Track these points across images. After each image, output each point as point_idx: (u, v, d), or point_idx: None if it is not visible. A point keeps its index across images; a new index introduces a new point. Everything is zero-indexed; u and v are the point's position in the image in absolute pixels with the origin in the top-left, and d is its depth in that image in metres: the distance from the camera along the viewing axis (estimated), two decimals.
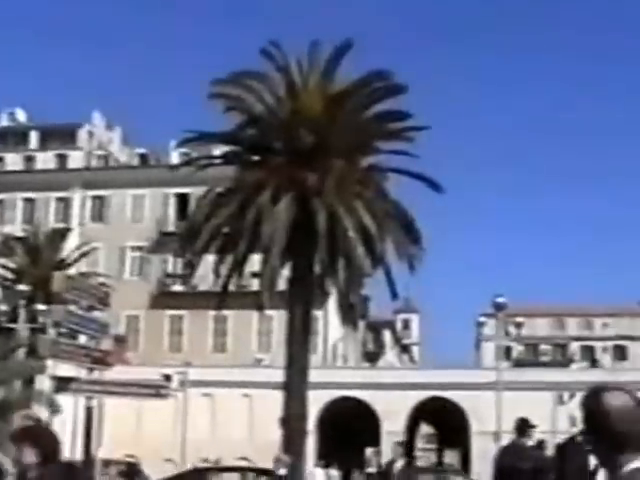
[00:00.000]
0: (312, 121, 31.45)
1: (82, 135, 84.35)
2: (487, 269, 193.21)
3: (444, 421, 61.08)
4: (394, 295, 33.07)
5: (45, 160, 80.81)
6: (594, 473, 12.21)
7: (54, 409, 34.26)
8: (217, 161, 36.03)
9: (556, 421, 46.19)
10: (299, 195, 30.80)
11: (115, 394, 21.55)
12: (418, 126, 32.15)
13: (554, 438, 27.36)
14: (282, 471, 17.16)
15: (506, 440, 19.20)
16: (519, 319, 59.33)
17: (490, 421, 46.89)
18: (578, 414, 3.73)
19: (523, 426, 12.76)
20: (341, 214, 30.49)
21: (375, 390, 55.95)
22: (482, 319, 63.23)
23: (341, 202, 30.75)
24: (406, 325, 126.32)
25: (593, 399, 3.58)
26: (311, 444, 46.26)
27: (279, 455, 17.94)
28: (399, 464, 19.51)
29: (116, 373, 23.30)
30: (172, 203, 70.79)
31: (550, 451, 17.09)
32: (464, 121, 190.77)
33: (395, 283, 32.58)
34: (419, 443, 77.47)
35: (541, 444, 16.78)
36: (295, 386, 31.30)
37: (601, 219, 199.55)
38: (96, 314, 21.63)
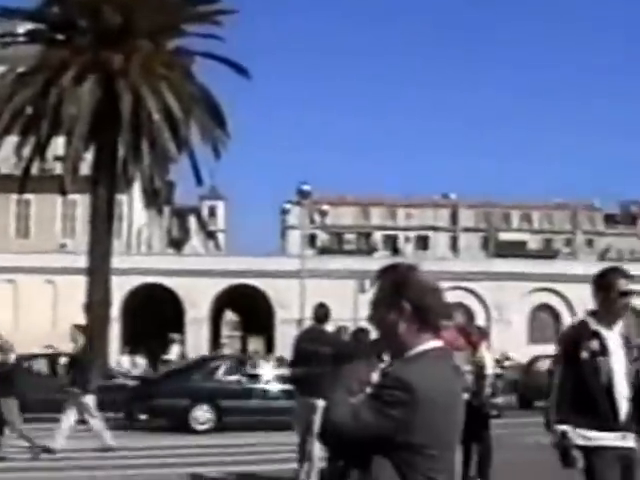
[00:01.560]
0: (119, 0, 30.62)
1: None
2: (294, 157, 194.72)
3: (249, 308, 61.63)
4: (199, 180, 32.90)
5: None
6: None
7: None
8: (20, 39, 34.62)
9: (358, 308, 47.21)
10: (104, 76, 30.12)
11: None
12: (226, 9, 31.74)
13: (356, 325, 28.01)
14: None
15: None
16: (324, 207, 60.05)
17: (294, 308, 47.64)
18: None
19: (321, 312, 12.89)
20: (146, 97, 29.98)
21: (180, 277, 55.93)
22: (287, 206, 63.78)
23: (146, 84, 30.23)
24: (212, 212, 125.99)
25: (392, 272, 3.51)
26: (116, 331, 46.00)
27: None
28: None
29: None
30: None
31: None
32: (270, 5, 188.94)
33: (200, 169, 32.43)
34: (224, 330, 78.15)
35: (340, 330, 17.07)
36: (98, 272, 30.91)
37: (409, 107, 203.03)
38: None
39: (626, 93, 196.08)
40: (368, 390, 3.29)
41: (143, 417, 21.93)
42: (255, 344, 70.15)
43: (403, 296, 3.39)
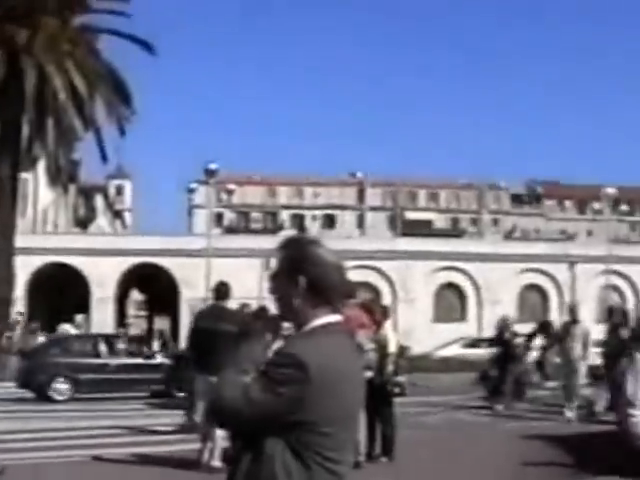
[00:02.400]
0: None
1: None
2: (201, 136, 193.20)
3: (155, 288, 61.33)
4: (104, 158, 32.52)
5: None
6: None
7: None
8: None
9: (263, 287, 47.26)
10: (8, 52, 29.52)
11: None
12: None
13: (260, 303, 28.12)
14: None
15: None
16: (231, 186, 59.83)
17: (200, 287, 47.51)
18: None
19: (222, 289, 12.88)
20: (51, 73, 29.51)
21: (85, 256, 55.36)
22: (193, 185, 63.39)
23: (51, 61, 29.74)
24: (119, 191, 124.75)
25: (291, 245, 3.52)
26: (20, 310, 45.39)
27: None
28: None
29: None
30: None
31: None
32: None
33: (106, 147, 32.05)
34: (130, 310, 77.61)
35: (243, 307, 17.14)
36: (1, 251, 30.43)
37: (315, 86, 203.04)
38: None
39: (527, 76, 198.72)
40: (261, 368, 3.26)
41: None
42: (161, 323, 69.80)
43: (300, 270, 3.37)
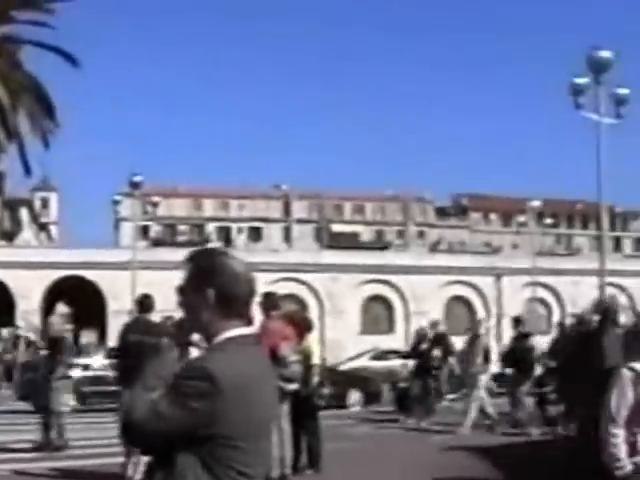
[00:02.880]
0: None
1: None
2: (126, 148, 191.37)
3: (81, 300, 60.65)
4: (27, 170, 32.24)
5: None
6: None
7: None
8: None
9: None
10: None
11: None
12: None
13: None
14: None
15: None
16: (156, 199, 59.32)
17: (126, 300, 47.09)
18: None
19: (146, 302, 12.78)
20: None
21: (10, 269, 54.77)
22: (118, 197, 62.86)
23: None
24: (45, 204, 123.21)
25: (200, 257, 3.48)
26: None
27: None
28: None
29: None
30: None
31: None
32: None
33: (30, 159, 31.76)
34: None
35: (167, 319, 17.01)
36: None
37: (239, 99, 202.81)
38: None
39: (451, 89, 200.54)
40: (169, 382, 3.19)
41: None
42: (88, 337, 68.96)
43: (209, 282, 3.33)
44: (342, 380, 26.50)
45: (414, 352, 21.60)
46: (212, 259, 3.43)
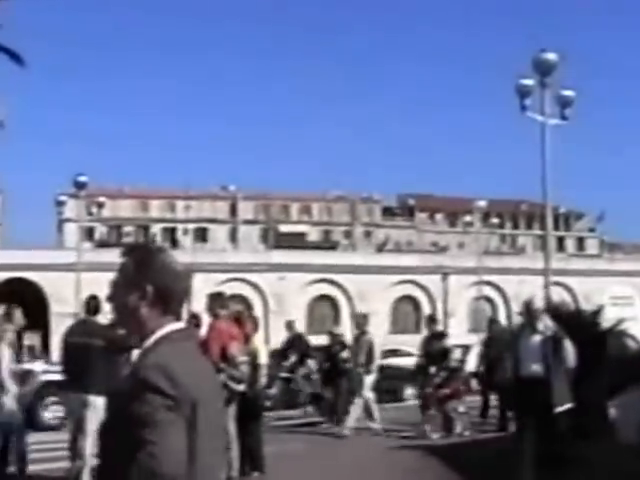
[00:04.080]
0: None
1: None
2: (70, 148, 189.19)
3: (24, 303, 59.94)
4: None
5: None
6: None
7: None
8: None
9: None
10: None
11: None
12: None
13: None
14: None
15: None
16: (101, 199, 58.84)
17: (70, 302, 46.66)
18: None
19: (92, 304, 12.53)
20: None
21: None
22: (63, 198, 62.23)
23: None
24: None
25: (137, 252, 3.35)
26: None
27: None
28: None
29: None
30: None
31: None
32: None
33: None
34: None
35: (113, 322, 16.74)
36: None
37: (184, 100, 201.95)
38: None
39: (397, 91, 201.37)
40: (127, 407, 2.98)
41: None
42: (30, 339, 68.28)
43: (148, 278, 3.21)
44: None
45: (326, 354, 20.56)
46: (151, 255, 3.31)
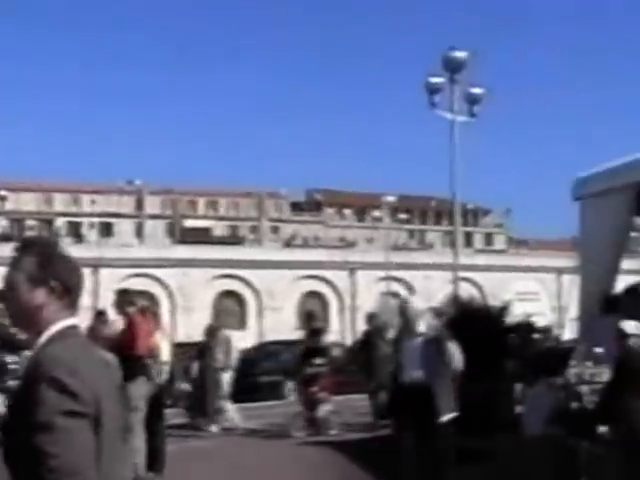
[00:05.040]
0: None
1: None
2: None
3: None
4: None
5: None
6: None
7: None
8: None
9: None
10: None
11: None
12: None
13: None
14: None
15: None
16: (3, 192, 57.61)
17: None
18: None
19: None
20: None
21: None
22: None
23: None
24: None
25: (36, 247, 3.18)
26: None
27: None
28: None
29: None
30: None
31: None
32: None
33: None
34: None
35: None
36: None
37: (88, 92, 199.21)
38: None
39: (308, 85, 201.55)
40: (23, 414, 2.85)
41: None
42: None
43: (51, 273, 3.09)
44: None
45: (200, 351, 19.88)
46: (52, 249, 3.19)
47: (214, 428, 17.01)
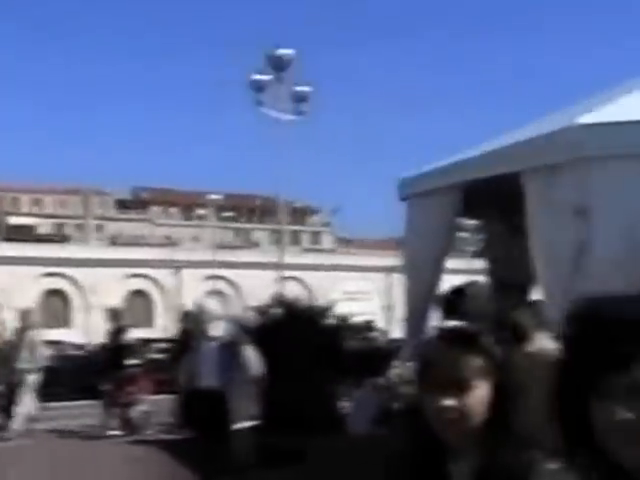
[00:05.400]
0: None
1: None
2: None
3: None
4: None
5: None
6: None
7: None
8: None
9: None
10: None
11: None
12: None
13: None
14: None
15: None
16: None
17: None
18: None
19: None
20: None
21: None
22: None
23: None
24: None
25: None
26: None
27: None
28: None
29: None
30: None
31: None
32: None
33: None
34: None
35: None
36: None
37: None
38: None
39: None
40: None
41: None
42: None
43: None
44: None
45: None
46: None
47: (16, 427, 16.41)
